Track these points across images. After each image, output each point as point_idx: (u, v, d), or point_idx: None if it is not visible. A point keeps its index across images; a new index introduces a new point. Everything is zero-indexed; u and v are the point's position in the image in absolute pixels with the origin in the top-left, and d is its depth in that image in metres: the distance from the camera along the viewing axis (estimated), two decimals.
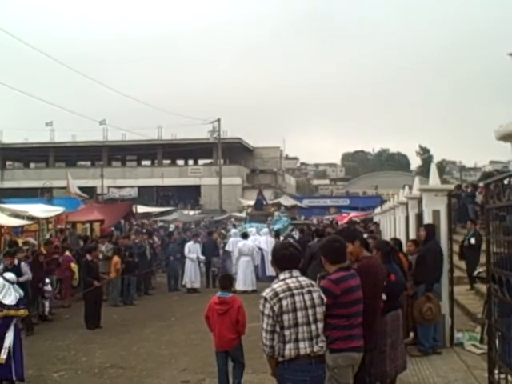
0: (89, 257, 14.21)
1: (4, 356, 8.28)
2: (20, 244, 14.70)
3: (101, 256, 16.36)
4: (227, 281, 8.61)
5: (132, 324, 13.63)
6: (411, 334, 9.47)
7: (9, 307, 8.53)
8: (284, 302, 4.65)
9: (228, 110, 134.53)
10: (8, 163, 63.96)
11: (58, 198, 29.24)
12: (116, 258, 16.62)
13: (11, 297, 8.64)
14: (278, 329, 4.67)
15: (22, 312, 8.87)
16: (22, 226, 17.48)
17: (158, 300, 17.53)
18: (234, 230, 22.52)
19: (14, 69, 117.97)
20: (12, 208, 18.13)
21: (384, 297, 6.41)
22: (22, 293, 8.98)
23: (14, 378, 8.41)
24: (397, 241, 10.45)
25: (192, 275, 19.04)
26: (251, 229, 22.23)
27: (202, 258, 19.60)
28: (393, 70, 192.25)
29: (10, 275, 9.08)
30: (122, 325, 13.65)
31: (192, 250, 19.35)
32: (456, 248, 13.01)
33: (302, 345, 4.68)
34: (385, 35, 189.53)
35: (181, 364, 9.80)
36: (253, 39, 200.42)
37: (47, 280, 14.38)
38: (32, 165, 65.52)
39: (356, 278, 5.33)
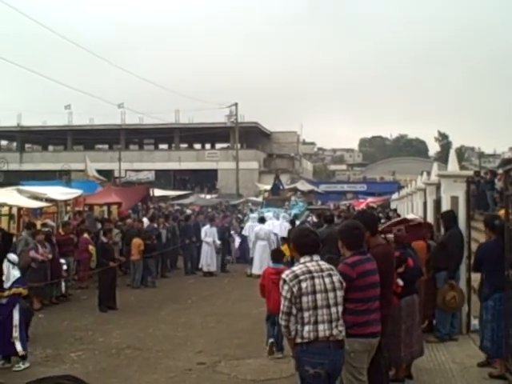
0: (104, 239, 14.30)
1: (16, 334, 8.52)
2: (38, 226, 14.84)
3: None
4: (279, 254, 9.93)
5: (148, 306, 13.74)
6: (425, 321, 9.44)
7: (15, 287, 8.73)
8: (303, 284, 4.69)
9: (245, 95, 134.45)
10: (27, 146, 64.38)
11: (76, 181, 29.45)
12: (138, 240, 16.69)
13: (12, 278, 8.83)
14: (294, 311, 4.73)
15: (24, 291, 9.07)
16: (41, 208, 17.64)
17: (174, 283, 17.62)
18: (252, 215, 22.48)
19: (33, 52, 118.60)
20: (31, 190, 18.28)
21: (401, 282, 6.39)
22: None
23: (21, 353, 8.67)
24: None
25: (208, 259, 19.10)
26: (268, 213, 22.20)
27: (218, 242, 19.63)
28: (412, 54, 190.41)
29: (12, 256, 9.24)
30: (138, 307, 13.76)
31: (208, 233, 19.38)
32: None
33: (321, 327, 4.71)
34: (404, 18, 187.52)
35: (196, 346, 9.87)
36: (270, 22, 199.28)
37: (62, 260, 14.51)
38: (50, 147, 65.87)
39: (372, 261, 5.33)
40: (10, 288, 8.67)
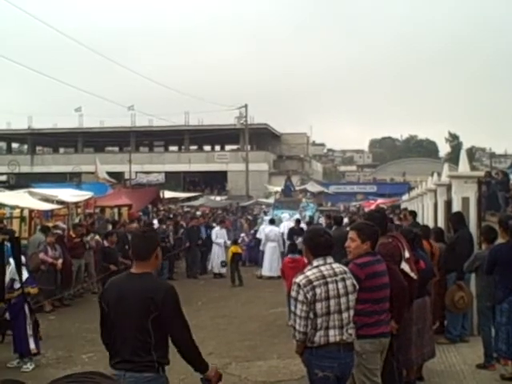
0: (105, 243, 14.15)
1: (30, 332, 8.62)
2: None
3: (87, 246, 15.52)
4: (294, 247, 12.15)
5: None
6: (437, 323, 9.40)
7: (24, 286, 8.83)
8: (318, 290, 4.59)
9: (255, 96, 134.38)
10: (38, 148, 64.68)
11: (87, 183, 29.57)
12: None
13: (23, 276, 8.94)
14: (311, 315, 4.62)
15: (34, 290, 9.16)
16: (52, 210, 17.69)
17: (184, 285, 17.60)
18: (266, 218, 22.44)
19: (44, 56, 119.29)
20: (42, 192, 18.35)
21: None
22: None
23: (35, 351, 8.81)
24: (426, 228, 10.33)
25: (219, 260, 19.09)
26: (284, 215, 22.13)
27: (229, 242, 19.61)
28: (422, 54, 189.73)
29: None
30: None
31: (219, 235, 19.39)
32: None
33: (331, 332, 4.65)
34: (411, 18, 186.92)
35: (207, 348, 9.83)
36: (280, 25, 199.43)
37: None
38: (61, 150, 66.16)
39: (382, 263, 5.30)
40: (19, 288, 8.75)
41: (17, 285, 8.82)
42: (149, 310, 4.00)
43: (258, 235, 20.61)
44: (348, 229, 7.06)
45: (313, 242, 4.88)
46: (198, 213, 29.07)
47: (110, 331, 4.25)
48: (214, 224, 21.95)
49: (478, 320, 8.42)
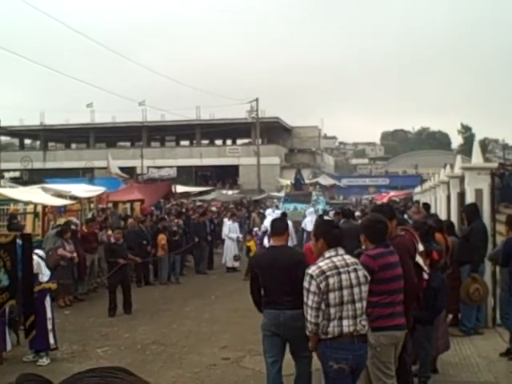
0: (112, 239, 14.05)
1: (50, 327, 8.69)
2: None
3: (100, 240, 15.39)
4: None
5: (172, 302, 13.81)
6: (450, 315, 9.37)
7: (45, 282, 8.89)
8: (331, 280, 4.66)
9: (266, 90, 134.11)
10: (50, 144, 64.97)
11: (99, 178, 29.72)
12: (161, 236, 16.77)
13: (46, 272, 8.98)
14: (323, 306, 4.67)
15: (53, 285, 9.25)
16: (65, 206, 17.79)
17: (197, 279, 17.70)
18: (278, 211, 22.37)
19: (56, 51, 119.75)
20: (55, 188, 18.46)
21: (426, 276, 6.33)
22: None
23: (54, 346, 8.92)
24: (439, 221, 10.27)
25: (232, 254, 19.12)
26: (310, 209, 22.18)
27: (241, 235, 19.60)
28: (433, 45, 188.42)
29: (40, 252, 9.39)
30: (162, 303, 13.85)
31: (232, 229, 19.40)
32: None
33: (345, 323, 4.69)
34: (423, 10, 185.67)
35: (221, 341, 9.91)
36: (290, 20, 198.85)
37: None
38: (73, 145, 66.41)
39: (395, 254, 5.29)
40: (40, 283, 8.81)
41: (44, 278, 8.90)
42: (296, 269, 5.55)
43: (263, 229, 20.47)
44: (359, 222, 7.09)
45: (330, 235, 4.97)
46: (214, 208, 28.98)
47: (260, 287, 5.99)
48: (226, 219, 21.85)
49: (500, 309, 8.36)
